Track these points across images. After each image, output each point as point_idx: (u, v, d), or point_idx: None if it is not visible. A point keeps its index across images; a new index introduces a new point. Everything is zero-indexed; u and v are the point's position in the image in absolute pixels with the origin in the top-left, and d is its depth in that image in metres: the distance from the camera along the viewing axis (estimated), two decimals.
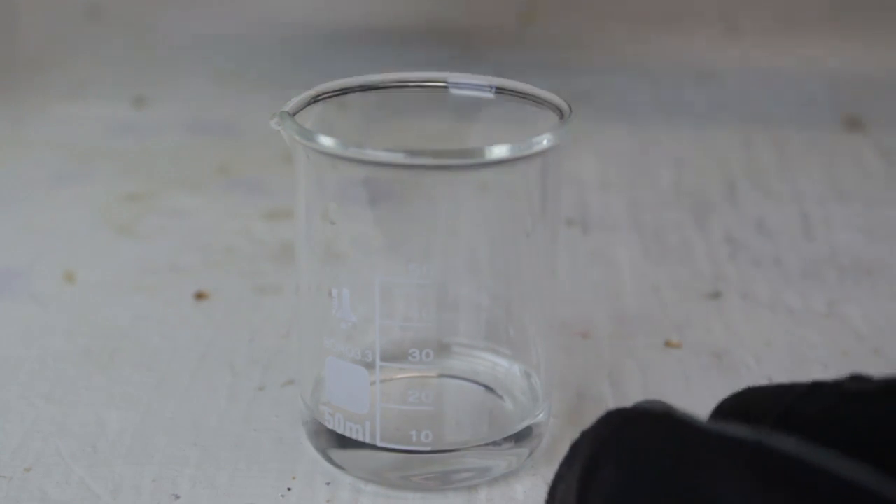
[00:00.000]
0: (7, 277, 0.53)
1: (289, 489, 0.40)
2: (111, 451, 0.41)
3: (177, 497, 0.39)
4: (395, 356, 0.39)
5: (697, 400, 0.45)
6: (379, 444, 0.39)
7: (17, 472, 0.40)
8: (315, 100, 0.40)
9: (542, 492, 0.40)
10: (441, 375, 0.42)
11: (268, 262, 0.55)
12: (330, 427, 0.40)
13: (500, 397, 0.42)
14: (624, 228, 0.58)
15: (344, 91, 0.41)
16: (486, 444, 0.40)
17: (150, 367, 0.46)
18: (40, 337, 0.48)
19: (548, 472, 0.41)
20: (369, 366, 0.39)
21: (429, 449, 0.39)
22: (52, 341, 0.48)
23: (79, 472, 0.40)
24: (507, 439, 0.40)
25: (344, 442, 0.40)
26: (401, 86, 0.42)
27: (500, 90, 0.41)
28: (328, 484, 0.40)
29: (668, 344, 0.48)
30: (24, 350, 0.47)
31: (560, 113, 0.39)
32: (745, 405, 0.33)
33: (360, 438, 0.39)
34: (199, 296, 0.52)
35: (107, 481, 0.40)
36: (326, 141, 0.37)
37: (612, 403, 0.44)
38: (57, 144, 0.67)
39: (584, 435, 0.32)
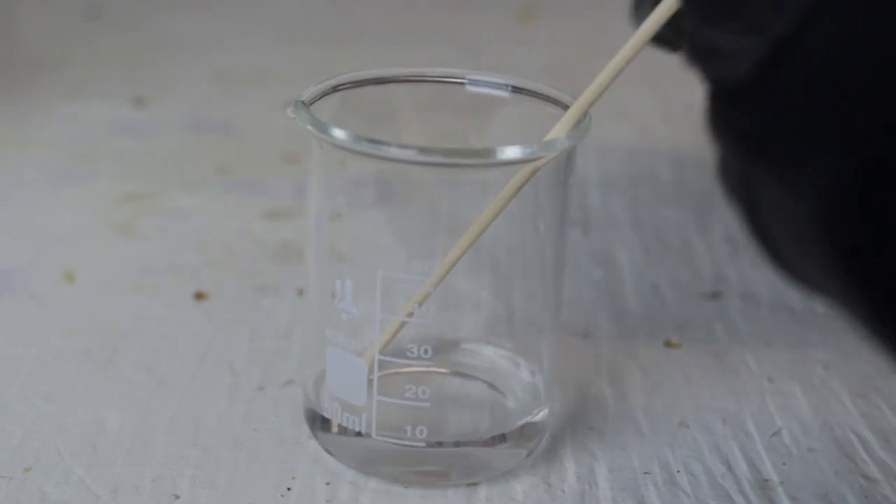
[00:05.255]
0: (7, 277, 0.53)
1: (288, 489, 0.40)
2: (111, 451, 0.41)
3: (176, 497, 0.39)
4: (394, 351, 0.39)
5: (697, 400, 0.45)
6: (374, 436, 0.39)
7: (17, 472, 0.40)
8: (333, 90, 0.40)
9: (542, 491, 0.40)
10: (440, 372, 0.42)
11: (268, 262, 0.55)
12: (328, 416, 0.40)
13: (501, 394, 0.42)
14: (624, 228, 0.58)
15: (361, 83, 0.41)
16: (484, 442, 0.40)
17: (150, 367, 0.46)
18: (40, 337, 0.48)
19: (547, 472, 0.41)
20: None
21: (423, 444, 0.39)
22: (51, 341, 0.48)
23: (78, 472, 0.40)
24: (505, 437, 0.40)
25: (341, 431, 0.40)
26: (419, 80, 0.42)
27: (516, 89, 0.41)
28: (328, 484, 0.40)
29: (668, 344, 0.48)
30: (24, 350, 0.47)
31: None
32: None
33: (357, 429, 0.39)
34: (199, 296, 0.52)
35: (107, 481, 0.40)
36: (339, 134, 0.37)
37: (612, 403, 0.44)
38: (57, 144, 0.67)
39: None
